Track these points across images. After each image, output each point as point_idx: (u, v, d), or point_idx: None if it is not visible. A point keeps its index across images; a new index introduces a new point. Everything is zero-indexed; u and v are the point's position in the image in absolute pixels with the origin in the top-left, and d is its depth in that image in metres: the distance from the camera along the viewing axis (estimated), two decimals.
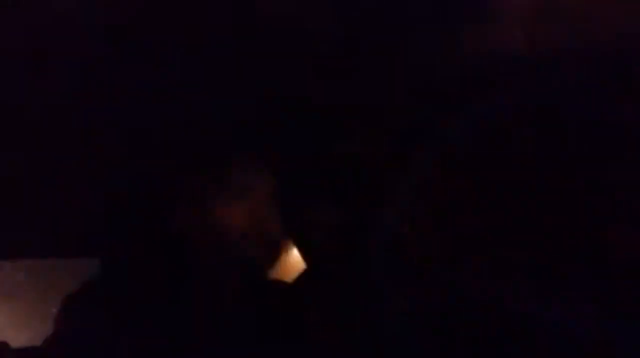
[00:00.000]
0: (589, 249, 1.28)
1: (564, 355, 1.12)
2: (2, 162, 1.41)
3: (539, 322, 1.14)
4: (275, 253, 1.35)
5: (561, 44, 1.28)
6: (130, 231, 1.32)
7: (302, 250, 1.55)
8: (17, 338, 1.43)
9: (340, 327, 1.27)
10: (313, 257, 1.50)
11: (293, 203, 1.46)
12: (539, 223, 1.33)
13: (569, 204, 1.30)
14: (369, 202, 1.42)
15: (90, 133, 1.38)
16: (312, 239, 1.48)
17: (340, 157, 1.45)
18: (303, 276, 1.51)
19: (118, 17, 1.21)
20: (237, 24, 1.28)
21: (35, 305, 1.51)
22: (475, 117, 1.32)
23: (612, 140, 1.27)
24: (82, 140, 1.39)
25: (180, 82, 1.34)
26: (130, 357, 1.19)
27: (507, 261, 1.27)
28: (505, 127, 1.32)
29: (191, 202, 1.29)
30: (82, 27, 1.24)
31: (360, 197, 1.44)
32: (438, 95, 1.39)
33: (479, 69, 1.36)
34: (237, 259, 1.29)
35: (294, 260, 1.52)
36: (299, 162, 1.48)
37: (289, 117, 1.44)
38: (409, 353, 1.20)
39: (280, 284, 1.39)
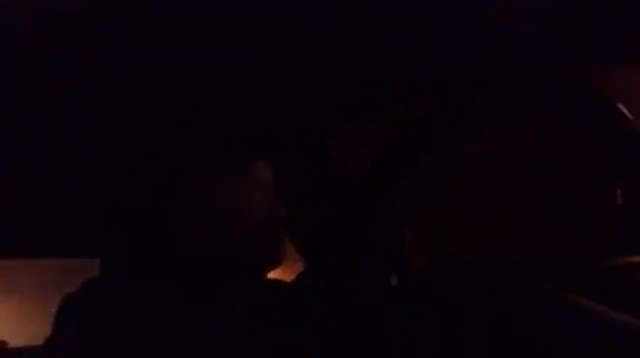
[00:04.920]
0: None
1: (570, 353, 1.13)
2: (3, 162, 1.41)
3: (544, 320, 1.14)
4: (274, 253, 1.35)
5: None
6: (130, 231, 1.32)
7: (301, 249, 1.55)
8: (17, 338, 1.43)
9: (341, 326, 1.27)
10: (312, 257, 1.50)
11: (292, 203, 1.46)
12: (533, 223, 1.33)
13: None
14: (370, 203, 1.42)
15: (90, 133, 1.39)
16: (312, 239, 1.49)
17: (340, 158, 1.45)
18: (303, 276, 1.52)
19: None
20: (235, 22, 1.28)
21: (35, 305, 1.51)
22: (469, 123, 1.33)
23: None
24: (82, 140, 1.39)
25: (176, 82, 1.34)
26: None
27: (506, 259, 1.28)
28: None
29: (190, 202, 1.29)
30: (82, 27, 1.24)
31: (360, 198, 1.44)
32: (436, 96, 1.39)
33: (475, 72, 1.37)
34: (236, 259, 1.29)
35: (294, 260, 1.52)
36: (299, 162, 1.48)
37: (289, 117, 1.45)
38: (411, 351, 1.20)
39: (280, 284, 1.40)
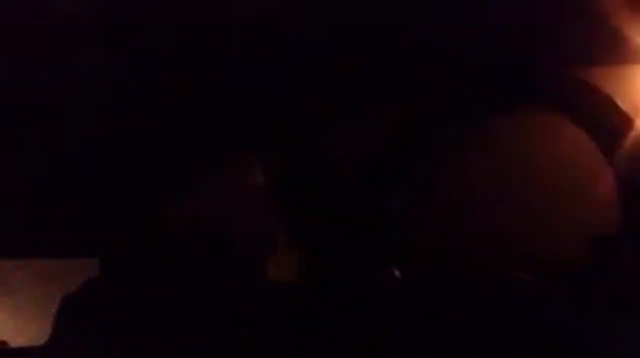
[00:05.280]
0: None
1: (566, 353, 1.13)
2: (3, 163, 1.41)
3: (545, 320, 1.14)
4: (274, 252, 1.35)
5: None
6: (130, 231, 1.32)
7: (302, 249, 1.55)
8: (17, 338, 1.43)
9: (341, 326, 1.27)
10: (312, 256, 1.50)
11: (292, 203, 1.46)
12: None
13: None
14: (370, 202, 1.42)
15: (89, 134, 1.39)
16: (312, 238, 1.49)
17: (340, 157, 1.45)
18: (302, 276, 1.52)
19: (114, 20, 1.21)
20: (235, 23, 1.28)
21: (35, 305, 1.51)
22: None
23: None
24: (82, 141, 1.39)
25: (176, 82, 1.34)
26: None
27: (505, 261, 1.28)
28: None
29: (190, 202, 1.30)
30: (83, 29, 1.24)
31: (360, 198, 1.44)
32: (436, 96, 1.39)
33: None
34: (236, 259, 1.29)
35: (294, 259, 1.52)
36: (299, 163, 1.48)
37: (289, 116, 1.44)
38: (411, 351, 1.20)
39: (278, 284, 1.40)
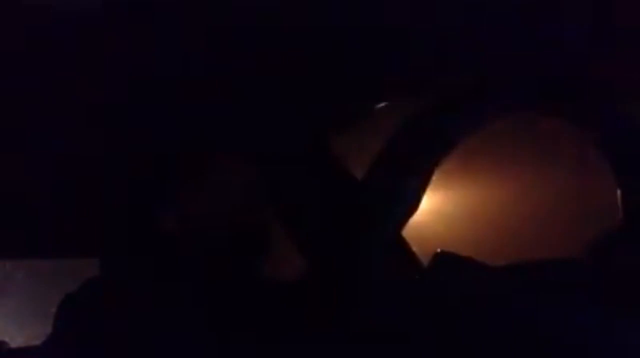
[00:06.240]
0: None
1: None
2: (2, 162, 1.41)
3: (545, 320, 1.14)
4: (273, 252, 1.35)
5: None
6: (129, 231, 1.32)
7: (301, 249, 1.55)
8: (17, 338, 1.43)
9: (340, 325, 1.27)
10: (312, 256, 1.50)
11: (292, 203, 1.46)
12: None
13: None
14: (370, 202, 1.42)
15: (88, 133, 1.39)
16: (312, 238, 1.48)
17: (341, 158, 1.45)
18: (301, 275, 1.52)
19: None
20: (235, 22, 1.29)
21: (35, 305, 1.51)
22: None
23: None
24: (81, 140, 1.39)
25: (174, 82, 1.34)
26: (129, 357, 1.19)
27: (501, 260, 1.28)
28: None
29: (188, 202, 1.30)
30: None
31: (361, 198, 1.44)
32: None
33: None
34: (234, 259, 1.30)
35: (292, 259, 1.52)
36: (299, 163, 1.48)
37: (289, 117, 1.45)
38: (410, 351, 1.20)
39: (280, 284, 1.40)
